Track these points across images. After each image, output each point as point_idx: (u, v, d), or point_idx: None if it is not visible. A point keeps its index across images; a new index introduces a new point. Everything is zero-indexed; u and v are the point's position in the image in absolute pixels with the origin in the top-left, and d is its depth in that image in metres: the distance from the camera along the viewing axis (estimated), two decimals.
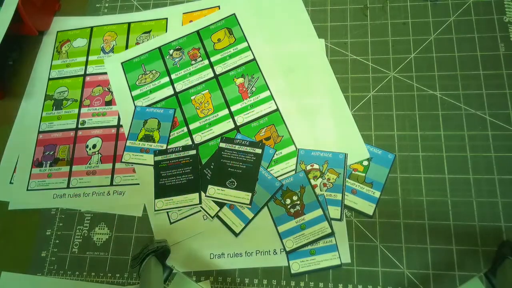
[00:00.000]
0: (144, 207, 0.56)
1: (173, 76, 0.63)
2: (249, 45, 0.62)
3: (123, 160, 0.58)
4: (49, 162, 0.61)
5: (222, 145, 0.56)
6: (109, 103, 0.63)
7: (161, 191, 0.56)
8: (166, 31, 0.66)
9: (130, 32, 0.67)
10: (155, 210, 0.55)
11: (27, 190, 0.59)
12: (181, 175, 0.56)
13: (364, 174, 0.53)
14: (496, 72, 0.56)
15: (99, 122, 0.62)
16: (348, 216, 0.52)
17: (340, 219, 0.52)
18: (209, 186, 0.54)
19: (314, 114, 0.57)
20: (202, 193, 0.54)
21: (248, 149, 0.56)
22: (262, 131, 0.57)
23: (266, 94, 0.59)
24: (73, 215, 0.58)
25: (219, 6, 0.66)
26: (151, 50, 0.65)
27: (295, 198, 0.53)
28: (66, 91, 0.65)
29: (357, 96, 0.58)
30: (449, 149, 0.53)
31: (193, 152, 0.57)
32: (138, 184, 0.57)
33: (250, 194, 0.53)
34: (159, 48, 0.65)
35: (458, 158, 0.53)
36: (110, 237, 0.56)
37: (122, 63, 0.65)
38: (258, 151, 0.55)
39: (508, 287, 0.41)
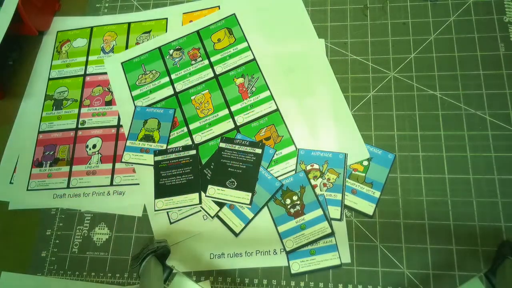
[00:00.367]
0: (144, 207, 0.56)
1: (173, 76, 0.63)
2: (249, 45, 0.62)
3: (123, 160, 0.58)
4: (49, 162, 0.61)
5: (222, 145, 0.56)
6: (109, 103, 0.63)
7: (161, 191, 0.56)
8: (166, 31, 0.66)
9: (130, 32, 0.67)
10: (155, 210, 0.55)
11: (27, 190, 0.59)
12: (181, 175, 0.56)
13: (364, 174, 0.53)
14: (496, 72, 0.56)
15: (99, 122, 0.62)
16: (348, 216, 0.52)
17: (340, 219, 0.52)
18: (209, 186, 0.54)
19: (314, 114, 0.57)
20: (202, 193, 0.54)
21: (248, 149, 0.56)
22: (262, 131, 0.57)
23: (266, 94, 0.59)
24: (73, 215, 0.58)
25: (219, 6, 0.66)
26: (151, 50, 0.65)
27: (295, 198, 0.53)
28: (66, 91, 0.65)
29: (357, 96, 0.58)
30: (449, 149, 0.53)
31: (193, 152, 0.57)
32: (138, 184, 0.57)
33: (250, 194, 0.53)
34: (159, 48, 0.65)
35: (458, 158, 0.53)
36: (110, 237, 0.56)
37: (122, 63, 0.65)
38: (258, 151, 0.55)
39: (508, 287, 0.41)
